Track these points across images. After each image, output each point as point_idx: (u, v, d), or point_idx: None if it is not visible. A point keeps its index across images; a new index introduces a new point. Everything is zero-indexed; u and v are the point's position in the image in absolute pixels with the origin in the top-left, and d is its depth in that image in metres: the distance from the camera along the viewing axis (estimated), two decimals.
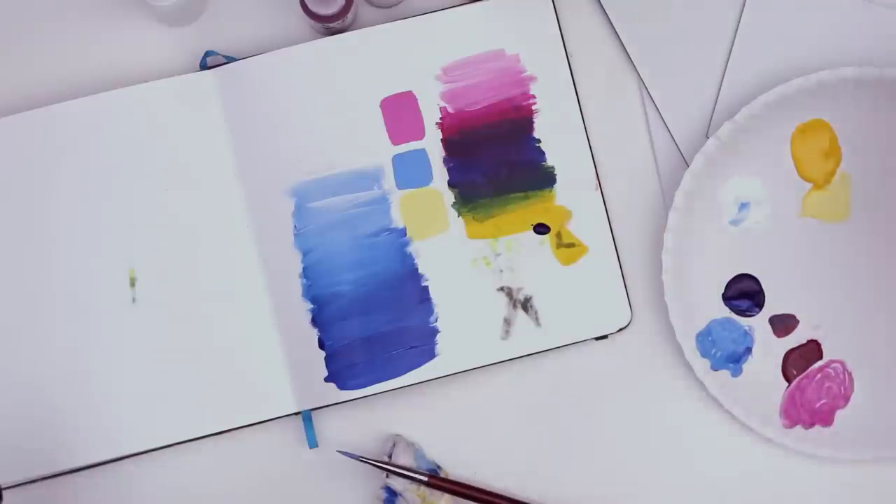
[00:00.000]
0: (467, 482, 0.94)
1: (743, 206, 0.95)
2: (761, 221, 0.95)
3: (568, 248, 0.95)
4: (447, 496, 0.93)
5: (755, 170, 0.95)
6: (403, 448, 0.93)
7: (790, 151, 0.95)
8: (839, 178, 0.95)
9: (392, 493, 0.93)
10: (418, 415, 0.96)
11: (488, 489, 0.94)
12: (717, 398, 0.93)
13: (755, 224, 0.95)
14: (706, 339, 0.94)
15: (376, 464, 0.92)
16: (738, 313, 0.95)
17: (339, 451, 0.94)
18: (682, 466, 0.96)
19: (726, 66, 0.96)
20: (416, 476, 0.92)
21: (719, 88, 0.96)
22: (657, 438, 0.96)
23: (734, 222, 0.95)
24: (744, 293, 0.95)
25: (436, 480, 0.92)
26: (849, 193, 0.95)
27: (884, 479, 0.96)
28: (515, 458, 0.95)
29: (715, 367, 0.94)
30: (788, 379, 0.95)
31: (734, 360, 0.94)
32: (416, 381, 0.94)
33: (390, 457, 0.93)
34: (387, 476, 0.93)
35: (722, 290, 0.95)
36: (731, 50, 0.96)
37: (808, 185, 0.95)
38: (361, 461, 0.92)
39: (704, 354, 0.94)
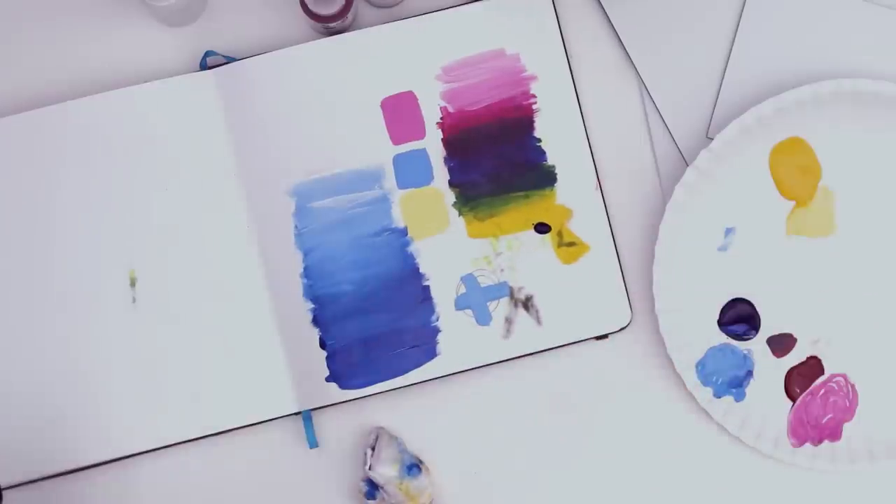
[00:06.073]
0: None
1: (728, 230, 0.95)
2: (748, 244, 0.95)
3: (569, 247, 0.95)
4: (429, 490, 0.93)
5: (736, 194, 0.95)
6: (387, 441, 0.93)
7: (769, 171, 0.95)
8: (822, 193, 0.95)
9: (372, 486, 0.93)
10: (419, 414, 0.96)
11: None
12: (723, 425, 0.93)
13: (742, 248, 0.95)
14: (706, 368, 0.94)
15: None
16: (735, 338, 0.95)
17: None
18: (681, 467, 0.96)
19: (726, 67, 0.96)
20: None
21: (719, 89, 0.96)
22: (657, 438, 0.96)
23: (721, 248, 0.95)
24: (739, 317, 0.95)
25: None
26: (833, 207, 0.95)
27: None
28: (516, 457, 0.95)
29: (718, 395, 0.93)
30: (792, 398, 0.94)
31: (736, 384, 0.94)
32: (418, 381, 0.94)
33: (373, 448, 0.93)
34: (369, 468, 0.92)
35: (717, 317, 0.95)
36: (730, 50, 0.96)
37: (792, 203, 0.95)
38: None
39: (706, 383, 0.93)
